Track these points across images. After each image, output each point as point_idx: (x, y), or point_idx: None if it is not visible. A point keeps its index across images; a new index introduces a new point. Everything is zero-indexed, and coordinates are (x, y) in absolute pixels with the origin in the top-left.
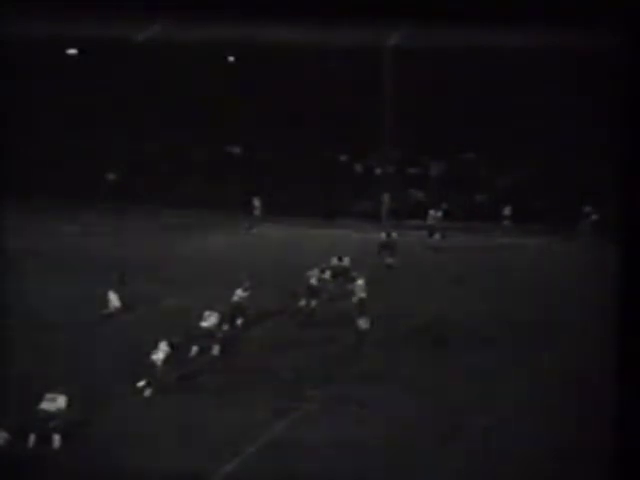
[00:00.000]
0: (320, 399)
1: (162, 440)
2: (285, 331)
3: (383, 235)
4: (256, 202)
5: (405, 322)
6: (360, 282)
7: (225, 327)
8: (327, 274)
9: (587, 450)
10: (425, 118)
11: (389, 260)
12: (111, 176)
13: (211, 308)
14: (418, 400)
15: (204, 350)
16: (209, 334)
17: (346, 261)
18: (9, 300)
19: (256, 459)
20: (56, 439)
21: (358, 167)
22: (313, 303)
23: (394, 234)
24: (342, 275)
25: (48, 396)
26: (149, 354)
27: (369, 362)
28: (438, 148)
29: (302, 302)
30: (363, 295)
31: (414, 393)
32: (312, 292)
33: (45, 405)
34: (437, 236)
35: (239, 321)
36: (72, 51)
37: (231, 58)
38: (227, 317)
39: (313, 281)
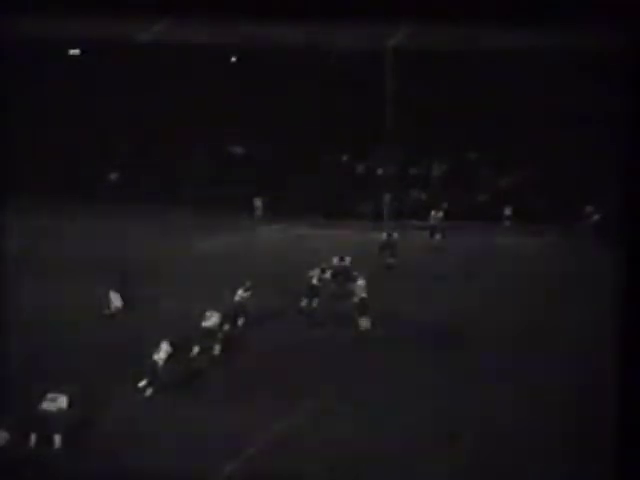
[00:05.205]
0: (321, 399)
1: (163, 440)
2: (286, 331)
3: (384, 235)
4: (257, 202)
5: (405, 322)
6: (361, 282)
7: (226, 327)
8: (328, 274)
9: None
10: (425, 118)
11: (390, 260)
12: (112, 176)
13: (212, 308)
14: (417, 400)
15: (205, 350)
16: (210, 334)
17: (347, 261)
18: (9, 300)
19: (256, 459)
20: (57, 439)
21: (359, 167)
22: (314, 303)
23: (395, 234)
24: (343, 275)
25: (49, 396)
26: (151, 354)
27: (370, 362)
28: (439, 148)
29: (303, 302)
30: (364, 295)
31: (414, 393)
32: (313, 292)
33: (46, 405)
34: (438, 236)
35: (240, 321)
36: (74, 51)
37: (233, 58)
38: (228, 317)
39: (314, 281)
